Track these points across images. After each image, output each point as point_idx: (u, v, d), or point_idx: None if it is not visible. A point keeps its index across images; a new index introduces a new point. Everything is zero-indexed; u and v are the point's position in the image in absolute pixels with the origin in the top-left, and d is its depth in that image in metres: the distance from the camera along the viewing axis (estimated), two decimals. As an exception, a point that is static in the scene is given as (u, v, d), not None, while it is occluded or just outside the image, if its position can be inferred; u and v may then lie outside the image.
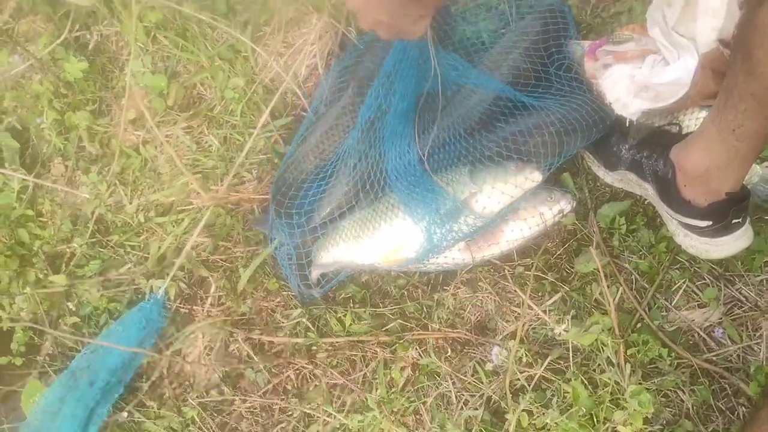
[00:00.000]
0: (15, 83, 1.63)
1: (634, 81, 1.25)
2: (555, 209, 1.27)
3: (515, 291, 1.29)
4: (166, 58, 1.63)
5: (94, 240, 1.52)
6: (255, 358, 1.35)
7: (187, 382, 1.39)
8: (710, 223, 1.14)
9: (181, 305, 1.43)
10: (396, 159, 1.22)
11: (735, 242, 1.16)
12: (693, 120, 1.26)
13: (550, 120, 1.25)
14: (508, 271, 1.31)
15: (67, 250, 1.53)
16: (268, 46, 1.61)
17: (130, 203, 1.53)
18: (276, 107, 1.53)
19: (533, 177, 1.22)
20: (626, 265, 1.28)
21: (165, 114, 1.59)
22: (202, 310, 1.42)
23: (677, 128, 1.25)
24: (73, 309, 1.48)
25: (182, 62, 1.61)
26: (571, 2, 1.50)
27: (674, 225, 1.22)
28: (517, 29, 1.40)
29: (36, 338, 1.49)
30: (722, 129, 1.03)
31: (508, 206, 1.24)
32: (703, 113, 1.25)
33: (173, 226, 1.49)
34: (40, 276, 1.51)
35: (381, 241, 1.24)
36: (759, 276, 1.24)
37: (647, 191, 1.26)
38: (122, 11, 1.60)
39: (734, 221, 1.14)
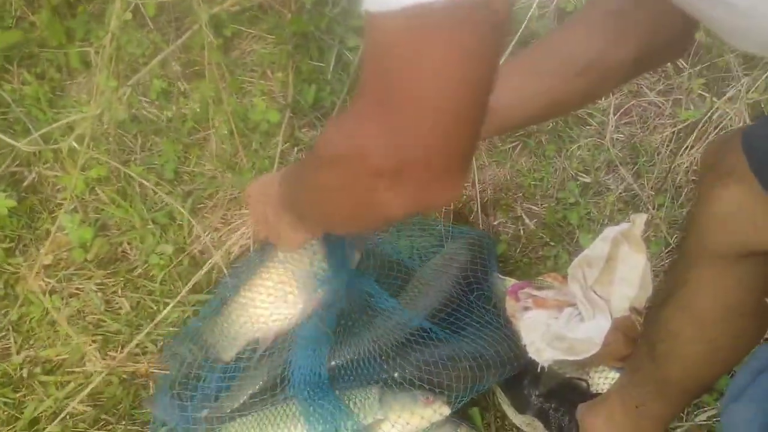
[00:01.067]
0: (-67, 206, 1.56)
1: (550, 330, 1.28)
2: (460, 446, 1.24)
3: None
4: (100, 210, 1.61)
5: (-36, 388, 1.39)
6: None
7: None
8: (610, 491, 1.12)
9: (41, 481, 1.29)
10: (305, 368, 1.19)
11: None
12: (603, 378, 1.29)
13: (464, 354, 1.25)
14: (401, 504, 1.24)
15: (-68, 394, 1.39)
16: (206, 219, 1.62)
17: (18, 353, 1.43)
18: (199, 282, 1.49)
19: (441, 411, 1.20)
20: None
21: (81, 266, 1.53)
22: (63, 491, 1.28)
23: (586, 384, 1.27)
24: None
25: (114, 218, 1.59)
26: (502, 238, 1.58)
27: (575, 484, 1.20)
28: (446, 254, 1.45)
29: None
30: (626, 403, 1.05)
31: (410, 436, 1.20)
32: (613, 373, 1.28)
33: (57, 388, 1.37)
34: None
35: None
36: None
37: (551, 442, 1.25)
38: (66, 158, 1.60)
39: (633, 493, 1.12)
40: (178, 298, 1.43)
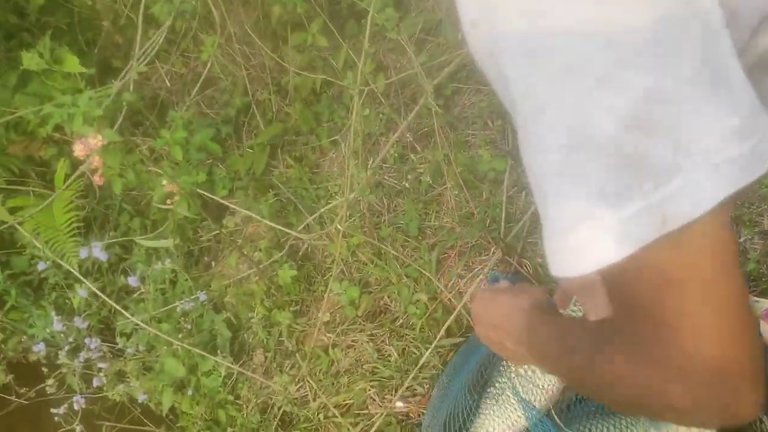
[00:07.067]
0: (237, 281, 1.93)
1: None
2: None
3: None
4: (361, 270, 1.86)
5: (278, 433, 1.70)
6: None
7: None
8: None
9: None
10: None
11: None
12: None
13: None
14: None
15: (255, 437, 1.72)
16: (452, 268, 1.79)
17: (314, 400, 1.71)
18: (451, 326, 1.66)
19: None
20: None
21: (353, 321, 1.79)
22: None
23: None
24: (252, 494, 1.64)
25: (374, 276, 1.83)
26: (750, 256, 1.52)
27: None
28: None
29: None
30: None
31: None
32: None
33: (348, 429, 1.62)
34: (231, 459, 1.71)
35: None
36: None
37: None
38: (332, 231, 1.88)
39: None
40: (435, 343, 1.61)
